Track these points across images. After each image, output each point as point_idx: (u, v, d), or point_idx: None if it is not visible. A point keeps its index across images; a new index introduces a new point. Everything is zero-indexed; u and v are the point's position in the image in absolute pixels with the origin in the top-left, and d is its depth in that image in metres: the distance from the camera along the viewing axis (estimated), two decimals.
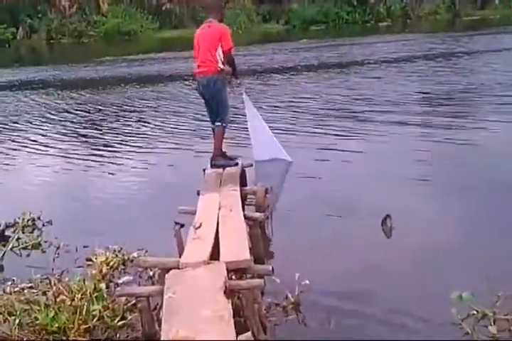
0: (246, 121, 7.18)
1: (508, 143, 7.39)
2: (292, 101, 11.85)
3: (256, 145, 7.09)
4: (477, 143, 7.56)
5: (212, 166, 6.08)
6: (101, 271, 4.37)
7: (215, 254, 3.79)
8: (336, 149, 7.85)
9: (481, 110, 9.83)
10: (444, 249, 4.57)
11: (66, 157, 8.74)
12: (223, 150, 6.34)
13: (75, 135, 10.46)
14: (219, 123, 6.19)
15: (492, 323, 3.39)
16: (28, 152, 9.32)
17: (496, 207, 5.40)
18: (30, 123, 11.94)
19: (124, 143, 9.49)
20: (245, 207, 5.23)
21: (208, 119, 6.46)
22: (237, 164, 6.11)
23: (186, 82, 15.91)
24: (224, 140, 6.33)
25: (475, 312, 3.49)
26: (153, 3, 44.91)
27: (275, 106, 10.91)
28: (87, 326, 3.57)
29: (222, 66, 6.02)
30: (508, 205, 5.39)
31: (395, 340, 3.38)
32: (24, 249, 5.28)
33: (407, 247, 4.69)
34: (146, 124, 10.85)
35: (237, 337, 2.78)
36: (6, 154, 9.33)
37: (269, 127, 7.28)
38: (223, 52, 5.99)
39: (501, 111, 9.33)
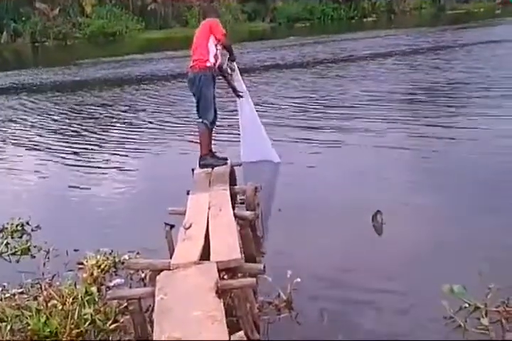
0: (235, 119, 7.12)
1: (490, 138, 7.41)
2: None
3: (245, 146, 6.96)
4: (460, 139, 7.59)
5: (200, 166, 6.04)
6: (92, 274, 4.35)
7: (205, 254, 3.77)
8: (320, 147, 7.85)
9: (450, 107, 9.75)
10: (435, 242, 4.59)
11: (51, 160, 8.70)
12: (212, 149, 6.32)
13: (56, 138, 10.42)
14: (200, 120, 6.18)
15: (484, 315, 3.40)
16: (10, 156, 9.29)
17: (486, 200, 5.41)
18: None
19: (107, 145, 9.45)
20: (235, 206, 5.23)
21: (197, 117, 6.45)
22: (226, 163, 6.07)
23: (160, 84, 16.16)
24: (212, 138, 6.29)
25: (467, 305, 3.51)
26: (137, 3, 44.77)
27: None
28: (79, 330, 3.55)
29: (213, 60, 6.02)
30: (498, 198, 5.41)
31: (394, 340, 3.38)
32: (13, 254, 5.24)
33: (398, 242, 4.70)
34: (126, 126, 10.84)
35: (229, 336, 2.77)
36: None
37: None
38: (218, 40, 6.04)
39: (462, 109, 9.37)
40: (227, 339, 2.73)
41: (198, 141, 6.30)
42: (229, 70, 6.56)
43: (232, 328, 2.97)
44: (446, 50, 18.35)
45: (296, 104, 11.21)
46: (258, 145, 6.97)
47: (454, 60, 15.78)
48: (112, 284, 4.24)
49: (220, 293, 3.15)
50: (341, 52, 20.22)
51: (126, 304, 3.58)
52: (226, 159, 6.21)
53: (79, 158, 8.66)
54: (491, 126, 7.87)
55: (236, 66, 6.69)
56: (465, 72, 13.19)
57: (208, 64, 6.01)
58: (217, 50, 6.09)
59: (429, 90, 11.47)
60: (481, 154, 6.80)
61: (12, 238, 5.57)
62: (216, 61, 6.09)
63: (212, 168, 5.94)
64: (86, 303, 3.75)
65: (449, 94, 10.81)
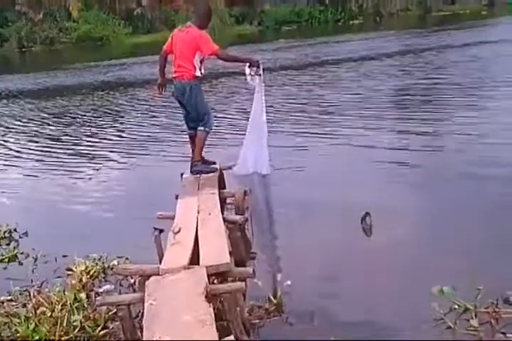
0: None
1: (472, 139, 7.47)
2: None
3: (244, 158, 6.69)
4: (451, 140, 7.66)
5: (192, 172, 5.96)
6: (81, 280, 4.33)
7: (195, 259, 3.77)
8: (306, 149, 7.85)
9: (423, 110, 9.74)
10: (424, 244, 4.60)
11: (36, 167, 8.66)
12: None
13: (42, 144, 10.35)
14: (201, 128, 5.95)
15: (474, 317, 3.41)
16: None
17: (475, 201, 5.44)
18: None
19: (94, 151, 9.39)
20: (224, 209, 5.22)
21: (184, 124, 6.33)
22: (216, 169, 6.00)
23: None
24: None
25: (456, 306, 3.52)
26: (123, 8, 44.66)
27: None
28: (68, 337, 3.53)
29: (199, 74, 5.81)
30: (485, 200, 5.43)
31: (389, 340, 3.38)
32: (0, 261, 5.17)
33: (388, 244, 4.70)
34: (112, 132, 10.78)
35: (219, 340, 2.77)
36: None
37: None
38: (209, 56, 5.74)
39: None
40: None
41: (195, 146, 6.08)
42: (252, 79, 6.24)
43: (222, 332, 2.97)
44: (409, 55, 18.22)
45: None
46: (255, 156, 6.69)
47: (411, 65, 15.63)
48: (101, 290, 4.22)
49: (210, 297, 3.14)
50: (307, 58, 20.12)
51: (115, 310, 3.57)
52: (215, 163, 6.16)
53: (65, 165, 8.59)
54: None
55: (262, 71, 6.26)
56: (428, 79, 13.10)
57: (197, 74, 5.79)
58: (201, 64, 5.84)
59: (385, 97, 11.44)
60: (465, 156, 6.86)
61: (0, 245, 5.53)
62: (201, 74, 5.93)
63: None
64: (75, 310, 3.73)
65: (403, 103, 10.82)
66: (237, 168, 6.71)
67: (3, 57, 37.23)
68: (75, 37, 41.66)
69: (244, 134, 6.79)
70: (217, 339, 2.74)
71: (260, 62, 6.27)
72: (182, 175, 6.02)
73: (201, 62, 5.83)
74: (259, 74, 6.24)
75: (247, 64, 6.20)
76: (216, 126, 7.09)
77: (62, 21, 42.59)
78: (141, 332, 3.11)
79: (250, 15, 45.32)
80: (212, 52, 5.71)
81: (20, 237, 5.68)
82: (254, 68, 6.19)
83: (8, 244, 5.53)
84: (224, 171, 6.30)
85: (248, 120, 6.75)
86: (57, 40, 41.71)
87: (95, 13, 42.95)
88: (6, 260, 5.18)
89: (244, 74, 6.31)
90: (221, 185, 5.85)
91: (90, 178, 7.75)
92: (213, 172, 5.90)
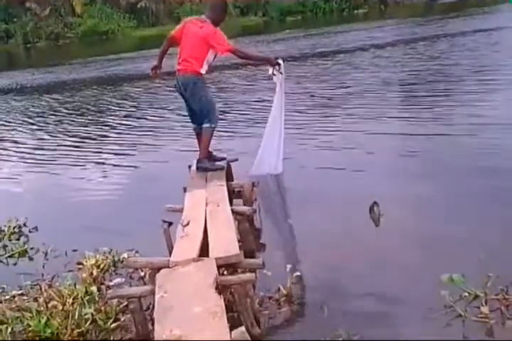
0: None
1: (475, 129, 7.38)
2: None
3: (260, 159, 6.44)
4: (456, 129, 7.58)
5: (197, 169, 5.90)
6: (91, 273, 4.35)
7: (204, 251, 3.78)
8: (310, 141, 7.79)
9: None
10: (433, 232, 4.59)
11: (45, 161, 8.71)
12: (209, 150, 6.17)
13: (47, 138, 10.40)
14: (207, 125, 5.78)
15: (484, 304, 3.41)
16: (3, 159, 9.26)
17: (482, 189, 5.41)
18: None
19: (101, 144, 9.44)
20: (233, 201, 5.22)
21: (189, 118, 6.28)
22: (223, 167, 5.88)
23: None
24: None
25: (466, 293, 3.52)
26: (127, 1, 44.62)
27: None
28: (80, 330, 3.55)
29: (204, 71, 5.68)
30: (495, 189, 5.39)
31: (396, 340, 3.38)
32: (11, 257, 5.20)
33: (396, 233, 4.69)
34: (119, 125, 10.82)
35: (231, 332, 2.77)
36: None
37: None
38: (221, 54, 5.64)
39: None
40: (228, 334, 2.73)
41: (200, 143, 5.94)
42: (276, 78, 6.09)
43: (233, 323, 2.98)
44: (403, 44, 18.03)
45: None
46: (271, 156, 6.46)
47: (404, 55, 15.41)
48: (111, 283, 4.24)
49: (220, 288, 3.15)
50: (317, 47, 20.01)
51: (126, 303, 3.59)
52: (224, 159, 6.08)
53: (72, 160, 8.61)
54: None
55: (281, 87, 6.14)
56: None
57: (202, 71, 5.67)
58: (213, 60, 5.74)
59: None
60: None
61: (9, 240, 5.55)
62: (206, 72, 5.75)
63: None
64: (86, 303, 3.76)
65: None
66: (253, 169, 6.44)
67: (7, 53, 37.31)
68: (80, 32, 41.72)
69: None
70: (228, 330, 2.75)
71: (280, 60, 6.07)
72: (190, 167, 6.01)
73: (213, 58, 5.72)
74: (281, 73, 6.10)
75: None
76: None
77: (67, 16, 42.65)
78: (153, 324, 3.13)
79: (255, 6, 45.19)
80: (228, 50, 5.59)
81: (30, 232, 5.71)
82: (277, 67, 6.06)
83: (18, 239, 5.57)
84: (231, 163, 6.29)
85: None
86: (62, 35, 41.80)
87: (99, 7, 42.98)
88: (17, 255, 5.22)
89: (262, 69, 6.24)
90: (229, 177, 5.84)
91: (99, 171, 7.80)
92: (219, 169, 5.80)
